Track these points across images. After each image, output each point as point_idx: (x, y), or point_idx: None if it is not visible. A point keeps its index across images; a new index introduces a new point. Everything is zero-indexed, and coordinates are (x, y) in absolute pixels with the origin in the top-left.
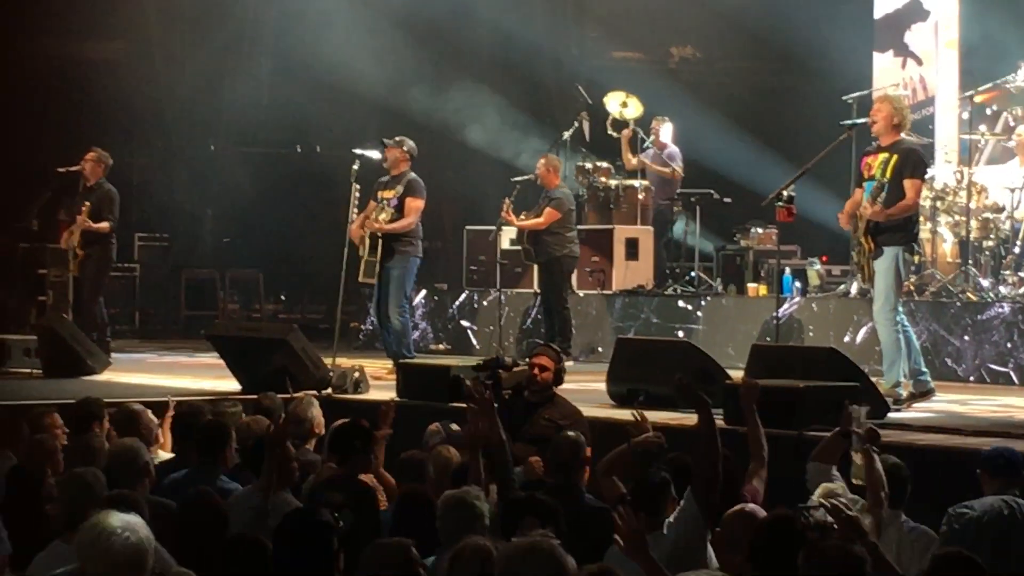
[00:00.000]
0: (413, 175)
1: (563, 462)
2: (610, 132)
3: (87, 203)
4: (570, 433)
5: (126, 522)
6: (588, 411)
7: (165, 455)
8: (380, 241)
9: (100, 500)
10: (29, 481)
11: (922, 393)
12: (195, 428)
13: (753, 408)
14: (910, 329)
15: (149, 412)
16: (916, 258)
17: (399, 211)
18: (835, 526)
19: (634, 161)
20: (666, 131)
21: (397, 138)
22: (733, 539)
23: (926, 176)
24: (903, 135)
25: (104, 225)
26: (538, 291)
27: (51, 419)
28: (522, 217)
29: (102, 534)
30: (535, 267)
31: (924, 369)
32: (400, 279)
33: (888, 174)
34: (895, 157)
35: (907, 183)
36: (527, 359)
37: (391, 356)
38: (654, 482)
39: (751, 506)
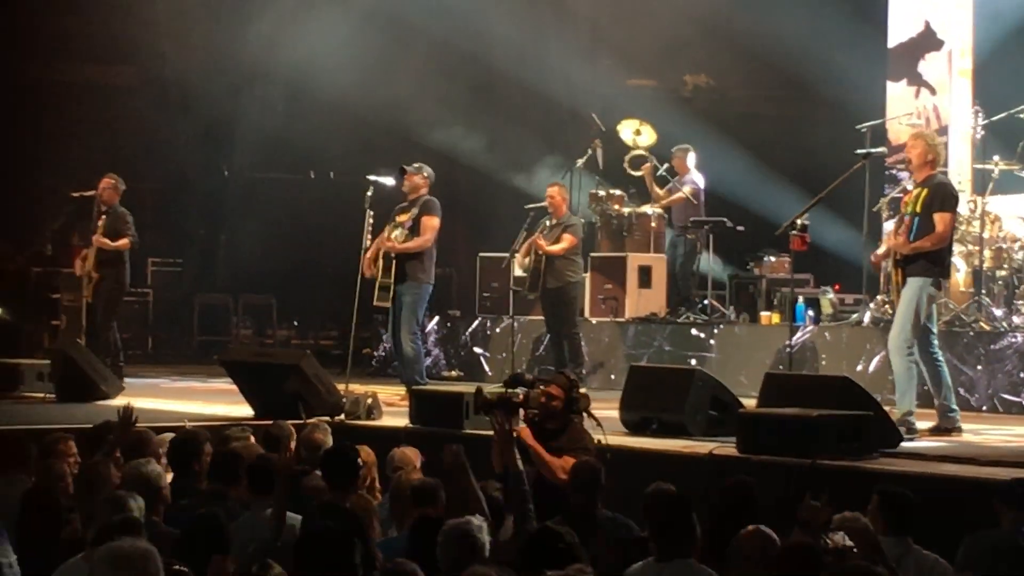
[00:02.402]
0: (429, 196)
1: (582, 485)
2: (630, 171)
3: (102, 219)
4: (588, 459)
5: (139, 545)
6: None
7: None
8: (394, 263)
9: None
10: (44, 503)
11: (947, 429)
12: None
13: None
14: (943, 364)
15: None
16: (941, 292)
17: (413, 232)
18: (855, 550)
19: (664, 194)
20: (690, 160)
21: (416, 164)
22: (745, 557)
23: (956, 209)
24: (937, 171)
25: (124, 241)
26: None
27: (65, 446)
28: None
29: (117, 553)
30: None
31: (954, 406)
32: (412, 305)
33: (919, 207)
34: (926, 191)
35: (937, 216)
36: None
37: (404, 382)
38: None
39: (763, 527)
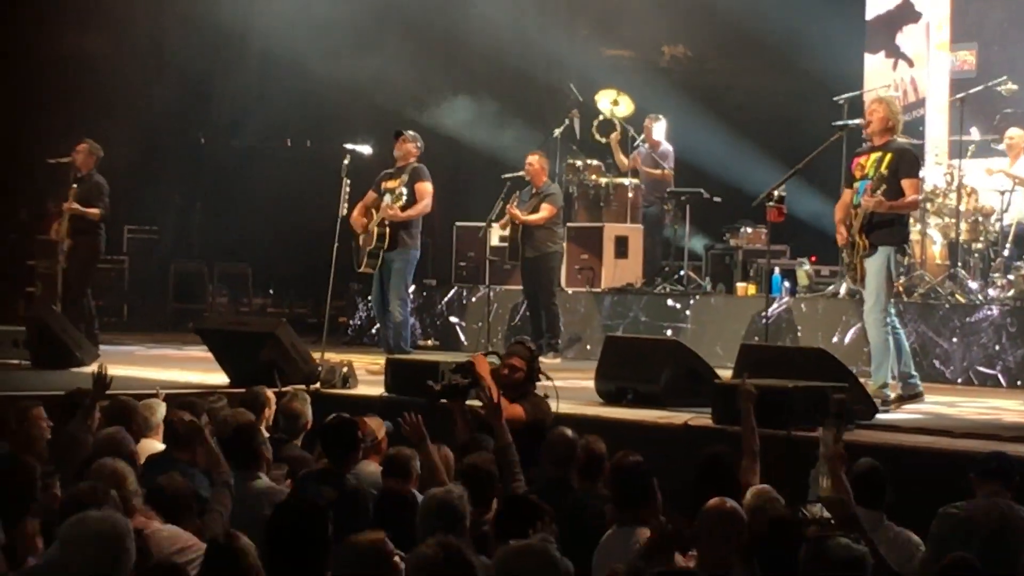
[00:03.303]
0: (419, 164)
1: (556, 458)
2: (598, 138)
3: (74, 188)
4: (562, 430)
5: (108, 512)
6: (576, 409)
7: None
8: (387, 230)
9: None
10: (21, 470)
11: (911, 396)
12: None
13: (750, 410)
14: (901, 332)
15: (154, 403)
16: (906, 259)
17: (409, 199)
18: (832, 522)
19: (627, 162)
20: (659, 129)
21: (411, 132)
22: (714, 531)
23: (920, 175)
24: (896, 136)
25: (94, 211)
26: (524, 288)
27: (36, 412)
28: (523, 212)
29: (83, 521)
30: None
31: (914, 373)
32: (401, 271)
33: (884, 170)
34: (889, 155)
35: (906, 183)
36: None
37: (387, 349)
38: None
39: (730, 501)
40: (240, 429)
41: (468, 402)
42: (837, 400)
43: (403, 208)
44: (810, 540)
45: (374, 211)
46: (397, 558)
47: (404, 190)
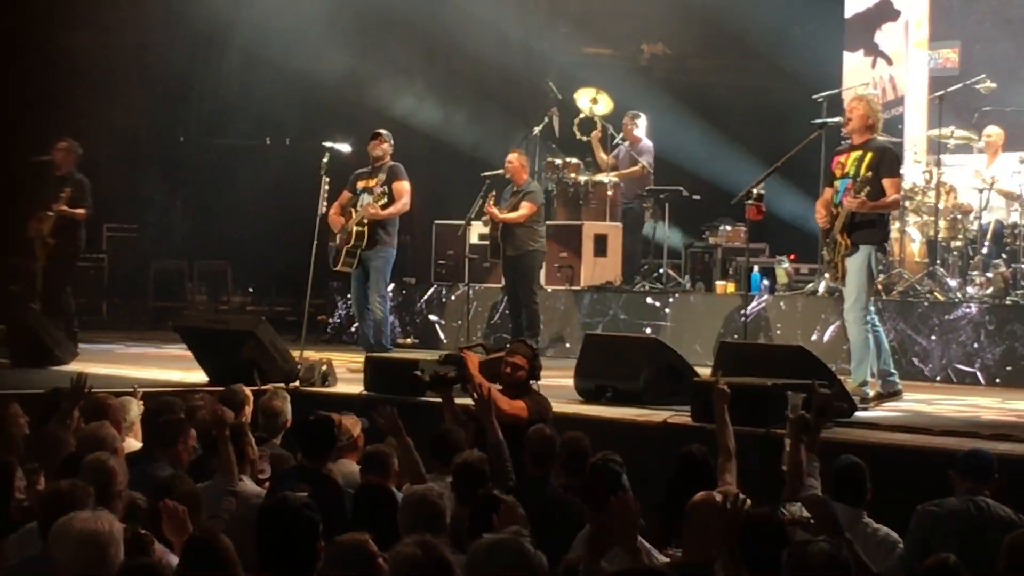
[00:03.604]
0: (395, 163)
1: (536, 455)
2: (579, 136)
3: (67, 189)
4: (542, 427)
5: (95, 513)
6: (556, 407)
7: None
8: (366, 229)
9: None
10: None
11: (890, 394)
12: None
13: (724, 409)
14: (880, 329)
15: (127, 402)
16: (885, 257)
17: (388, 197)
18: (812, 521)
19: (608, 160)
20: (640, 126)
21: (386, 132)
22: (700, 523)
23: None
24: (876, 135)
25: (81, 211)
26: (504, 286)
27: (12, 409)
28: (502, 211)
29: (70, 522)
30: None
31: (893, 370)
32: (381, 269)
33: (864, 170)
34: (870, 154)
35: (886, 182)
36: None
37: (367, 347)
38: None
39: (714, 493)
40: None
41: (459, 400)
42: (800, 415)
43: (384, 207)
44: (793, 544)
45: (353, 211)
46: (381, 559)
47: (384, 188)
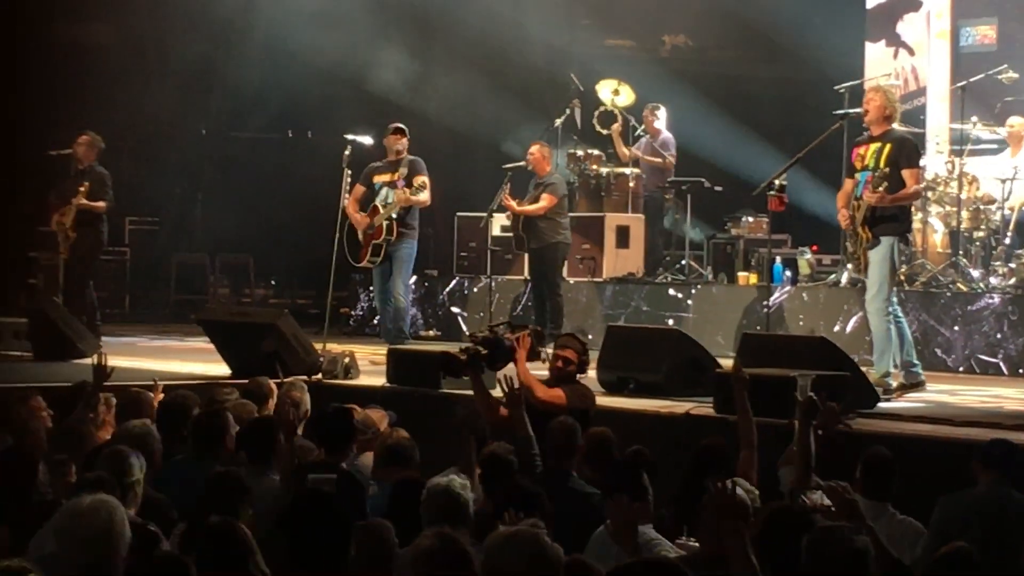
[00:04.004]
0: (414, 156)
1: (557, 446)
2: (599, 129)
3: (86, 183)
4: (564, 419)
5: (99, 501)
6: None
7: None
8: (394, 223)
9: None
10: (23, 462)
11: (913, 385)
12: (188, 419)
13: (744, 396)
14: (903, 320)
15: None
16: (908, 248)
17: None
18: (832, 508)
19: (628, 153)
20: (660, 118)
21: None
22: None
23: (920, 164)
24: (894, 125)
25: (101, 204)
26: (528, 278)
27: (35, 402)
28: (517, 203)
29: (73, 513)
30: (526, 254)
31: (916, 361)
32: (405, 260)
33: (883, 162)
34: (888, 146)
35: (906, 173)
36: (551, 350)
37: (389, 340)
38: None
39: (734, 481)
40: (257, 423)
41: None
42: (808, 398)
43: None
44: (813, 531)
45: (380, 207)
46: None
47: (403, 183)
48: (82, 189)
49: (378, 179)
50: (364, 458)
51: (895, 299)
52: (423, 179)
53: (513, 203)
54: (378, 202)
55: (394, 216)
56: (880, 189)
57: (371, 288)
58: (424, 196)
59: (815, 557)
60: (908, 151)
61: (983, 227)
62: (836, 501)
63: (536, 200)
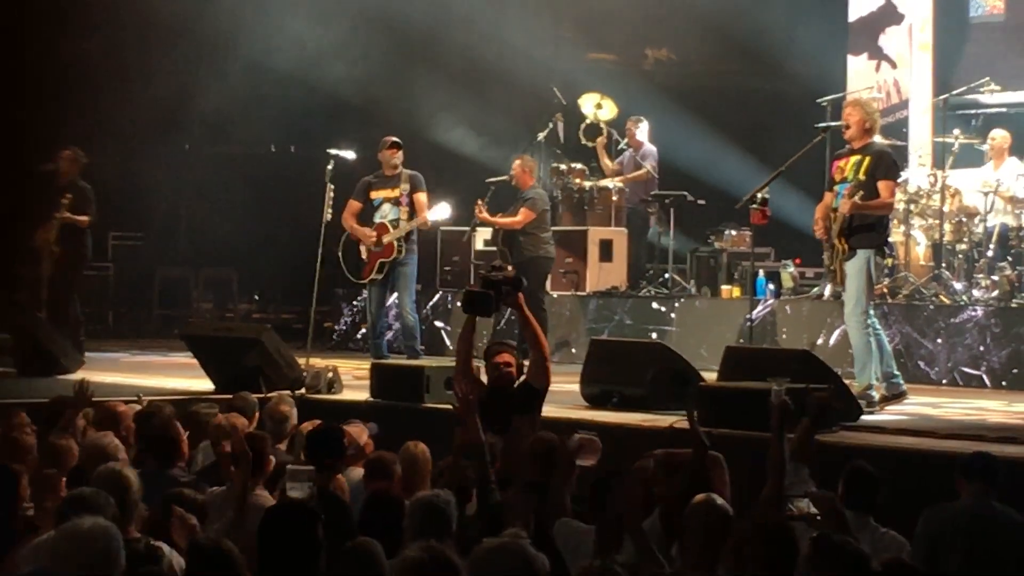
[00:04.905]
0: (412, 171)
1: (536, 461)
2: (584, 142)
3: (68, 196)
4: (547, 434)
5: (98, 526)
6: (561, 412)
7: None
8: (402, 241)
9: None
10: (7, 478)
11: (894, 396)
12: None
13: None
14: (882, 332)
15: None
16: (889, 261)
17: (411, 207)
18: (819, 518)
19: (613, 166)
20: (642, 130)
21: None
22: (699, 528)
23: (899, 178)
24: (874, 138)
25: (84, 218)
26: None
27: (20, 418)
28: (500, 216)
29: (72, 536)
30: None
31: (896, 372)
32: (410, 276)
33: (862, 175)
34: (868, 159)
35: (881, 184)
36: (489, 360)
37: (405, 352)
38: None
39: (719, 498)
40: (251, 438)
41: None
42: (817, 399)
43: (409, 217)
44: (814, 538)
45: (388, 225)
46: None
47: (406, 199)
48: (65, 202)
49: (376, 194)
50: (353, 472)
51: (873, 312)
52: (423, 196)
53: (487, 214)
54: (382, 219)
55: (404, 235)
56: (854, 197)
57: (355, 303)
58: (424, 217)
59: (817, 563)
60: (886, 164)
61: (966, 240)
62: (823, 510)
63: (515, 214)
